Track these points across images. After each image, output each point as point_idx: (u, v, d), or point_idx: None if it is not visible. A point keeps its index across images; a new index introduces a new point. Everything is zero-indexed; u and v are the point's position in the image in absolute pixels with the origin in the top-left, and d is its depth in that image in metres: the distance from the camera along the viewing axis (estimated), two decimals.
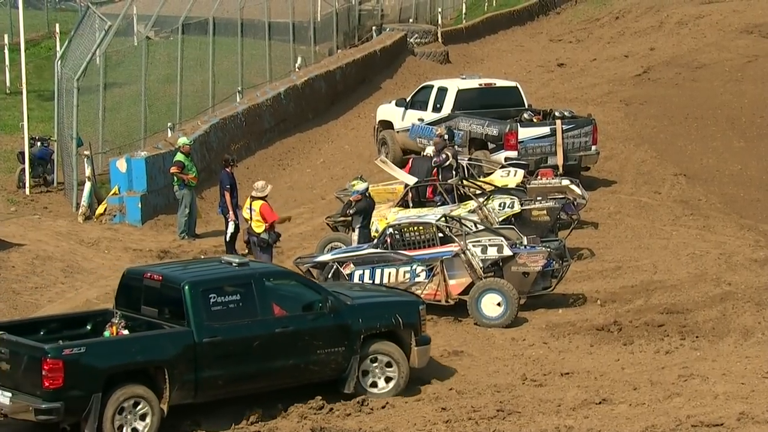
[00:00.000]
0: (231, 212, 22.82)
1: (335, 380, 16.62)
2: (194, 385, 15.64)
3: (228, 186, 23.06)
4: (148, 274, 16.33)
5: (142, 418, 15.34)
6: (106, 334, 15.93)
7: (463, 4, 49.00)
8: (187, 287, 15.77)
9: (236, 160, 23.78)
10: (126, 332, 15.91)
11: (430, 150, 26.03)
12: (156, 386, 15.47)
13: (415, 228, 20.70)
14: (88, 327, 16.36)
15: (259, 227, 21.02)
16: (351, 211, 22.04)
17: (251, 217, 21.05)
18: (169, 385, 15.45)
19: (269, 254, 21.16)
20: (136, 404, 15.30)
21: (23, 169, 26.55)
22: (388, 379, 16.84)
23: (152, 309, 16.12)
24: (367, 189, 22.09)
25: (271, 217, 21.09)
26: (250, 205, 21.10)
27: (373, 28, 42.78)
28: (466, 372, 17.55)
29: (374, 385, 16.80)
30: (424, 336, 17.23)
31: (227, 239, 22.87)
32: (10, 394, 15.11)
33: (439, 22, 45.63)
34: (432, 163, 25.45)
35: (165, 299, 16.00)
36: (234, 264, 16.50)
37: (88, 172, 25.10)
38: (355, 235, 21.87)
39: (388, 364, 16.84)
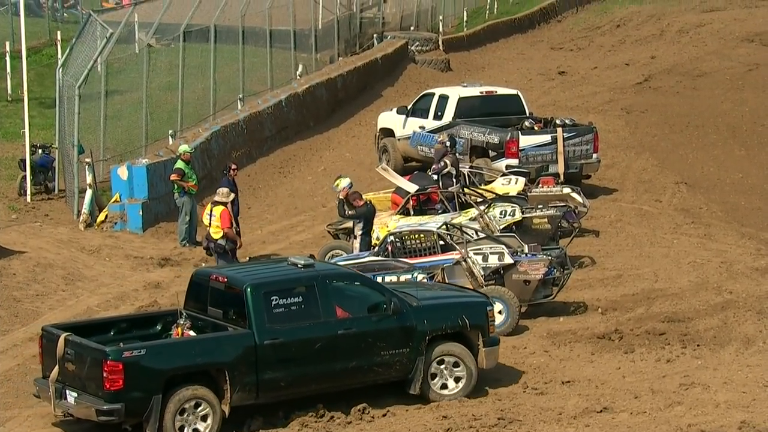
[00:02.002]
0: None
1: (402, 381, 16.70)
2: (255, 386, 15.80)
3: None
4: (214, 276, 16.56)
5: (203, 419, 15.52)
6: (171, 334, 16.22)
7: (464, 12, 49.03)
8: (249, 289, 15.93)
9: (237, 167, 23.75)
10: (192, 333, 16.15)
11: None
12: (217, 387, 15.64)
13: (416, 236, 20.71)
14: (158, 327, 16.64)
15: (217, 233, 21.17)
16: (351, 213, 22.06)
17: (210, 223, 21.18)
18: (230, 387, 15.62)
19: (227, 260, 21.17)
20: (197, 405, 15.49)
21: (24, 177, 26.55)
22: (457, 380, 16.88)
23: (217, 310, 16.36)
24: (351, 185, 22.11)
25: (225, 224, 21.21)
26: (211, 210, 21.21)
27: (375, 35, 42.80)
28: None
29: (444, 386, 16.84)
30: (492, 337, 17.23)
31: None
32: (75, 395, 15.42)
33: (440, 29, 45.66)
34: (431, 170, 25.49)
35: (229, 301, 16.19)
36: (300, 265, 16.60)
37: (89, 179, 25.11)
38: (356, 243, 21.87)
39: (456, 365, 16.87)
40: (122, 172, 25.56)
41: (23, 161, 26.65)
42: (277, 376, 15.91)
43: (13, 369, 18.08)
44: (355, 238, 22.02)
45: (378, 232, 22.62)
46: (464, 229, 21.42)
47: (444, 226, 21.43)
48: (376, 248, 21.05)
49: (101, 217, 25.11)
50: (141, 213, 25.14)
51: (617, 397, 16.42)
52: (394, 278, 19.75)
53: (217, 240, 21.20)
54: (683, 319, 19.77)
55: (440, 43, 44.02)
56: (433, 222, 22.26)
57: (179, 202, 24.45)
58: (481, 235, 21.28)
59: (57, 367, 15.63)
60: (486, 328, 17.11)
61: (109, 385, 15.04)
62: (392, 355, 16.54)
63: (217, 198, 21.41)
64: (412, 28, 45.18)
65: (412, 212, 23.67)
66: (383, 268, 20.08)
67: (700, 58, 42.95)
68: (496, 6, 52.79)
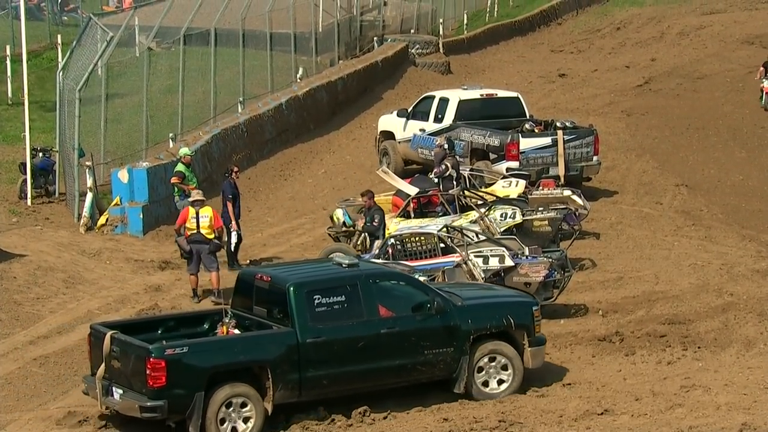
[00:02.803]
0: (233, 222, 22.81)
1: (446, 381, 16.82)
2: (298, 384, 15.97)
3: (230, 196, 23.06)
4: (259, 275, 16.77)
5: (246, 416, 15.67)
6: (216, 332, 16.46)
7: (465, 15, 49.05)
8: (291, 288, 16.14)
9: (239, 170, 23.78)
10: (236, 332, 16.36)
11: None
12: (260, 385, 15.80)
13: (417, 238, 20.71)
14: (205, 326, 16.86)
15: (210, 233, 21.19)
16: (376, 222, 22.19)
17: (198, 225, 21.07)
18: (272, 385, 15.80)
19: (215, 258, 21.28)
20: (239, 403, 15.64)
21: (25, 180, 26.54)
22: (501, 381, 16.97)
23: (262, 309, 16.59)
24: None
25: (219, 222, 21.46)
26: (197, 213, 21.12)
27: (375, 38, 42.80)
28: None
29: (486, 384, 16.92)
30: (538, 336, 17.31)
31: (230, 249, 22.86)
32: (121, 391, 15.65)
33: (441, 32, 45.67)
34: (433, 174, 25.50)
35: (273, 300, 16.42)
36: (344, 265, 16.77)
37: (89, 182, 25.11)
38: (378, 242, 21.95)
39: (502, 366, 16.95)
40: (123, 175, 25.57)
41: (24, 164, 26.65)
42: (320, 375, 16.10)
43: (14, 372, 18.09)
44: (377, 238, 22.11)
45: None
46: (465, 231, 21.42)
47: (445, 229, 21.43)
48: (377, 251, 21.05)
49: (102, 220, 25.11)
50: (141, 216, 25.14)
51: (618, 399, 16.42)
52: None
53: (212, 239, 21.22)
54: (684, 321, 19.77)
55: (440, 45, 44.02)
56: (433, 224, 22.26)
57: (180, 205, 24.41)
58: (482, 237, 21.28)
59: (103, 364, 15.92)
60: (531, 328, 17.21)
61: (152, 382, 15.26)
62: (436, 354, 16.68)
63: (198, 197, 21.45)
64: (412, 31, 45.18)
65: (412, 215, 23.67)
66: None
67: (700, 61, 42.97)
68: (496, 9, 52.81)
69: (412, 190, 24.43)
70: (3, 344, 19.05)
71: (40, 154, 26.93)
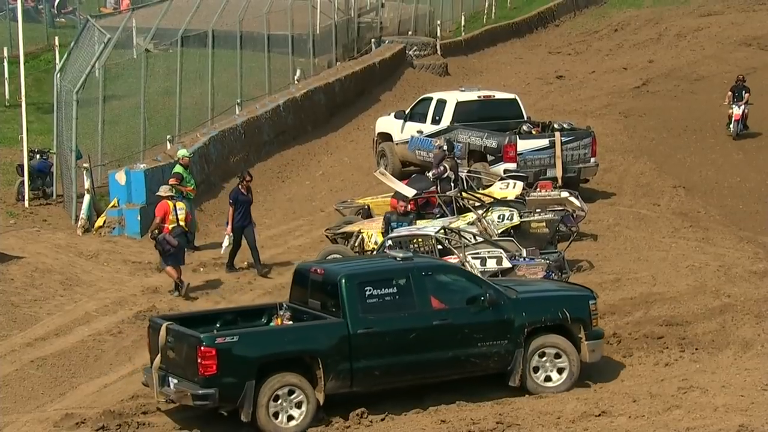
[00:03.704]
0: (229, 226, 22.83)
1: (501, 374, 16.96)
2: (350, 375, 16.19)
3: (230, 200, 23.06)
4: (313, 269, 17.09)
5: (298, 405, 15.90)
6: (271, 324, 16.74)
7: (462, 17, 49.06)
8: (343, 280, 16.38)
9: (251, 179, 23.53)
10: (290, 323, 16.65)
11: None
12: (312, 375, 16.01)
13: (415, 240, 20.70)
14: (263, 319, 17.15)
15: (185, 227, 21.66)
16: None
17: (178, 218, 21.51)
18: (323, 375, 16.01)
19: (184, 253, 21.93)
20: (291, 392, 15.87)
21: (22, 182, 26.53)
22: (560, 371, 17.05)
23: (316, 301, 16.80)
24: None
25: (189, 216, 21.98)
26: (175, 206, 21.56)
27: (372, 40, 42.81)
28: (466, 384, 17.52)
29: (548, 379, 17.03)
30: (595, 330, 17.38)
31: (232, 251, 22.90)
32: (176, 381, 15.93)
33: (438, 34, 45.68)
34: (430, 175, 25.49)
35: (326, 292, 16.67)
36: (398, 258, 17.03)
37: (87, 184, 25.10)
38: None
39: (558, 357, 17.03)
40: (120, 177, 25.56)
41: (21, 166, 26.64)
42: (372, 366, 16.30)
43: (12, 374, 18.08)
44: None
45: (376, 237, 22.63)
46: (462, 233, 21.42)
47: (442, 231, 21.43)
48: (375, 252, 21.05)
49: (99, 222, 25.09)
50: (139, 218, 25.12)
51: (615, 400, 16.42)
52: None
53: (188, 231, 21.75)
54: (681, 322, 19.77)
55: (438, 47, 44.04)
56: (431, 226, 22.26)
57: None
58: (480, 239, 21.28)
59: (159, 355, 16.21)
60: (588, 322, 17.30)
61: (203, 371, 15.52)
62: (489, 346, 16.82)
63: (168, 193, 21.82)
64: (410, 32, 45.20)
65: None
66: None
67: (698, 62, 42.99)
68: (494, 10, 52.84)
69: (410, 192, 24.42)
70: (0, 346, 19.04)
71: (38, 156, 26.91)
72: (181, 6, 30.99)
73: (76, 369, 18.40)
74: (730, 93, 34.08)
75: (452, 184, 25.08)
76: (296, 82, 36.26)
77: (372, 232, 22.86)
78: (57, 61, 30.01)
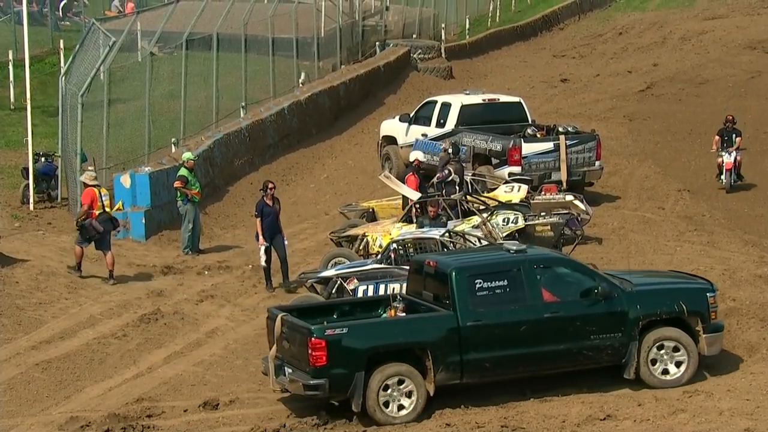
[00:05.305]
0: (260, 238, 22.29)
1: (617, 366, 16.99)
2: (460, 367, 16.36)
3: (255, 213, 22.57)
4: (427, 261, 17.33)
5: (408, 395, 16.12)
6: (384, 316, 17.04)
7: (467, 20, 49.06)
8: (453, 273, 16.55)
9: (273, 186, 22.85)
10: (403, 315, 16.92)
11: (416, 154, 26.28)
12: (422, 367, 16.20)
13: (420, 243, 20.68)
14: (380, 311, 17.46)
15: (110, 212, 22.45)
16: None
17: (104, 205, 22.12)
18: (433, 366, 16.18)
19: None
20: (400, 382, 16.10)
21: (27, 185, 26.55)
22: (678, 364, 17.05)
23: (429, 294, 17.02)
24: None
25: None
26: (100, 193, 22.18)
27: (377, 43, 42.82)
28: (470, 388, 17.50)
29: (666, 372, 17.04)
30: (715, 323, 17.38)
31: (265, 266, 22.39)
32: (290, 370, 16.25)
33: (443, 37, 45.69)
34: (435, 178, 25.51)
35: (438, 284, 16.91)
36: (511, 251, 17.16)
37: None
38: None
39: (676, 350, 17.03)
40: (125, 180, 25.58)
41: (26, 169, 26.66)
42: (482, 358, 16.44)
43: (16, 377, 18.08)
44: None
45: (381, 240, 22.64)
46: (467, 236, 21.41)
47: (447, 234, 21.43)
48: (380, 255, 21.06)
49: None
50: (144, 221, 25.16)
51: (620, 404, 16.40)
52: (396, 286, 19.76)
53: (114, 217, 22.48)
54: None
55: (442, 50, 44.03)
56: (436, 229, 22.25)
57: (182, 210, 24.45)
58: (484, 242, 21.27)
59: (275, 345, 16.61)
60: (706, 314, 17.30)
61: (313, 361, 15.87)
62: (603, 339, 16.86)
63: (94, 182, 22.33)
64: (414, 36, 45.20)
65: (415, 219, 23.66)
66: (386, 275, 20.08)
67: (702, 66, 42.95)
68: (498, 14, 52.83)
69: (415, 195, 24.44)
70: (5, 349, 19.05)
71: (43, 159, 26.93)
72: (185, 9, 31.01)
73: (80, 372, 18.39)
74: (717, 137, 29.69)
75: (457, 188, 25.08)
76: (301, 85, 36.27)
77: (377, 235, 22.88)
78: (62, 64, 30.03)
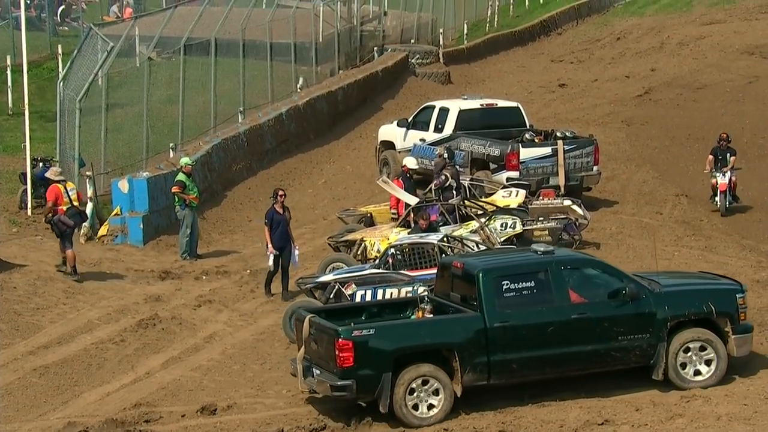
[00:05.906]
0: (269, 246, 21.92)
1: (645, 368, 16.98)
2: (487, 368, 16.37)
3: (265, 221, 22.25)
4: (454, 263, 17.41)
5: (435, 393, 16.14)
6: (412, 317, 17.06)
7: (465, 25, 49.08)
8: (480, 274, 16.55)
9: (283, 193, 22.58)
10: (431, 316, 16.92)
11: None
12: (449, 368, 16.23)
13: (417, 248, 20.69)
14: (408, 312, 17.46)
15: (79, 206, 22.60)
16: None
17: (71, 199, 22.24)
18: (460, 367, 16.21)
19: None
20: (425, 382, 16.12)
21: (25, 190, 26.53)
22: (708, 363, 17.03)
23: (456, 295, 17.05)
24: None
25: (81, 195, 23.13)
26: (66, 188, 22.29)
27: (375, 48, 42.84)
28: (468, 393, 17.49)
29: (697, 373, 17.02)
30: (744, 324, 17.36)
31: (269, 274, 22.20)
32: (318, 372, 16.29)
33: (441, 42, 45.69)
34: (432, 185, 25.51)
35: (465, 286, 16.94)
36: (539, 252, 17.13)
37: (89, 192, 25.11)
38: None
39: (703, 349, 17.01)
40: (123, 185, 25.58)
41: (24, 175, 26.65)
42: (509, 359, 16.45)
43: (14, 383, 18.07)
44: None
45: (379, 245, 22.63)
46: (465, 241, 21.42)
47: (445, 239, 21.43)
48: (377, 261, 21.06)
49: (102, 230, 25.11)
50: (142, 226, 25.15)
51: (618, 409, 16.40)
52: (394, 291, 19.77)
53: (83, 210, 22.78)
54: None
55: (440, 55, 44.06)
56: (433, 234, 22.25)
57: (180, 215, 24.44)
58: (482, 247, 21.27)
59: (303, 346, 16.67)
60: (735, 315, 17.27)
61: (340, 362, 15.94)
62: (631, 340, 16.84)
63: (58, 177, 22.51)
64: (412, 41, 45.23)
65: (412, 225, 23.66)
66: (384, 280, 20.08)
67: (700, 71, 42.96)
68: (496, 19, 52.86)
69: (412, 200, 24.44)
70: (3, 354, 19.04)
71: (41, 164, 26.89)
72: (183, 14, 31.05)
73: (78, 377, 18.38)
74: (711, 157, 28.08)
75: (454, 193, 25.08)
76: (299, 90, 36.29)
77: (375, 240, 22.86)
78: (60, 69, 30.02)
